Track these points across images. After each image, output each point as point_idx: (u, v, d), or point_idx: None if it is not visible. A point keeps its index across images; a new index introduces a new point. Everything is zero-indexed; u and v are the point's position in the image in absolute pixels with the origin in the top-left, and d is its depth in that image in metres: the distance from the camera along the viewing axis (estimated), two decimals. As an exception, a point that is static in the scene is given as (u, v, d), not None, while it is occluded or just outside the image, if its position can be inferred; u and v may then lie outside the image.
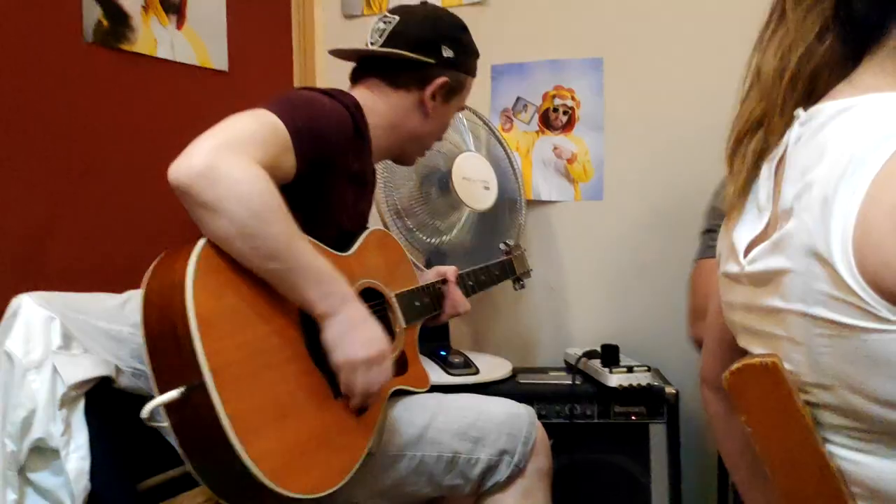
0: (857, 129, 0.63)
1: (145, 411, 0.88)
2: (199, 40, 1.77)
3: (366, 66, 1.33)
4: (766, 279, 0.69)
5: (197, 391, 0.87)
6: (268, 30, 2.05)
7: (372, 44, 1.31)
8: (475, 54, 1.39)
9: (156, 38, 1.65)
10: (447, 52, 1.30)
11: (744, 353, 0.78)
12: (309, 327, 1.06)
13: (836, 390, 0.64)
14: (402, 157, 1.40)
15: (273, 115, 1.04)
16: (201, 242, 0.95)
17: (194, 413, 0.88)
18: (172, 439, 0.91)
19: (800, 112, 0.70)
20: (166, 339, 0.90)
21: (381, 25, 1.31)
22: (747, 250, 0.73)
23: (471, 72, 1.38)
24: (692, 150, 1.92)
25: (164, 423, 0.91)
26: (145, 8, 1.62)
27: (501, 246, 1.78)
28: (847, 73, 0.70)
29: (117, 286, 1.23)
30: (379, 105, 1.29)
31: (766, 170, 0.73)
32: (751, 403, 0.72)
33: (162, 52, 1.67)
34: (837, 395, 0.64)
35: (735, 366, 0.72)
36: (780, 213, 0.68)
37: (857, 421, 0.64)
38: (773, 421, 0.70)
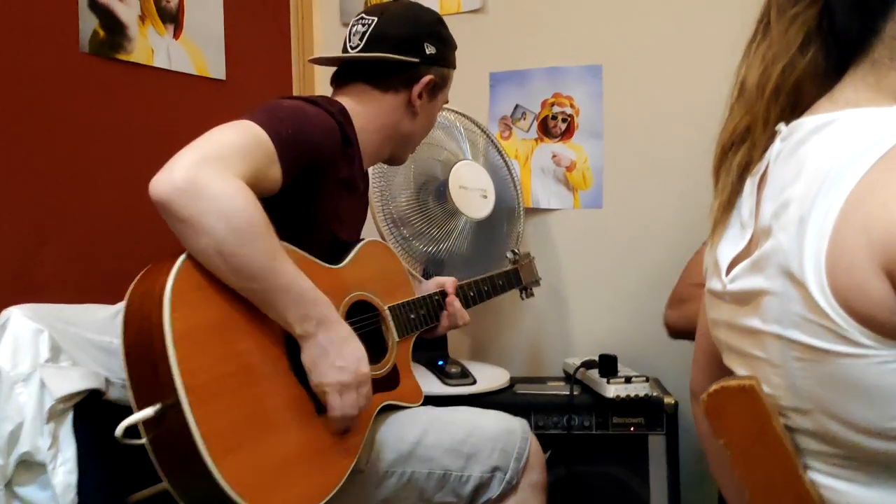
0: (834, 147, 0.61)
1: (119, 430, 0.87)
2: (196, 49, 1.77)
3: (348, 70, 1.32)
4: (746, 299, 0.67)
5: (172, 410, 0.86)
6: (266, 38, 2.04)
7: (353, 47, 1.29)
8: (454, 46, 1.38)
9: (152, 47, 1.65)
10: (430, 49, 1.29)
11: (731, 371, 0.77)
12: (293, 343, 1.05)
13: (813, 415, 0.62)
14: (394, 158, 1.39)
15: (257, 125, 1.03)
16: (182, 257, 0.94)
17: (169, 432, 0.87)
18: (151, 456, 0.91)
19: (781, 126, 0.69)
20: (143, 356, 0.89)
21: (360, 28, 1.29)
22: (730, 267, 0.71)
23: (452, 65, 1.38)
24: (692, 157, 1.88)
25: (142, 441, 0.90)
26: (142, 17, 1.62)
27: (508, 255, 1.76)
28: (831, 86, 0.69)
29: (111, 297, 1.23)
30: (367, 110, 1.27)
31: (750, 185, 0.72)
32: (729, 426, 0.71)
33: (159, 62, 1.67)
34: (815, 419, 0.63)
35: (713, 387, 0.70)
36: (760, 231, 0.67)
37: (835, 447, 0.63)
38: (751, 445, 0.68)
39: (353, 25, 1.31)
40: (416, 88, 1.29)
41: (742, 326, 0.69)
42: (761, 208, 0.68)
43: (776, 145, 0.69)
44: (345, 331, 1.06)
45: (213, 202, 0.91)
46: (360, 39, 1.28)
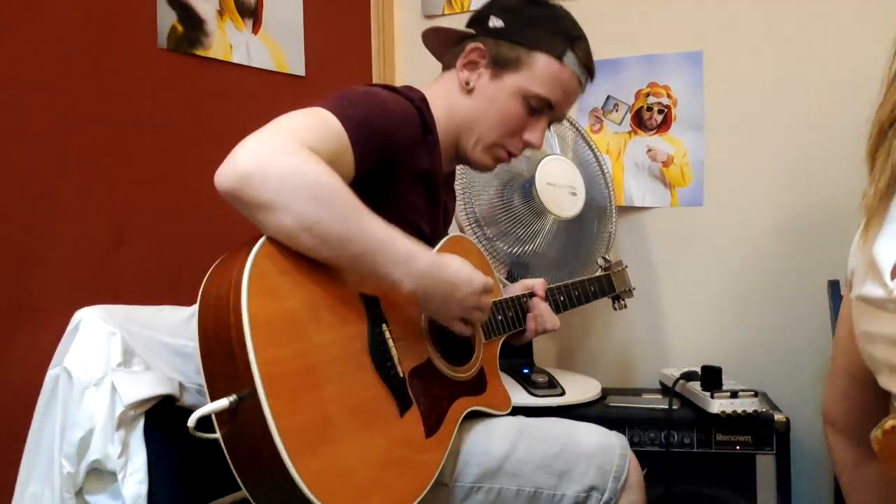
0: None
1: (191, 420, 0.81)
2: (275, 45, 1.73)
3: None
4: None
5: (248, 401, 0.80)
6: (346, 32, 2.00)
7: None
8: (544, 27, 1.18)
9: (231, 43, 1.61)
10: (494, 22, 1.17)
11: (884, 394, 0.64)
12: (375, 336, 0.98)
13: None
14: (464, 153, 1.23)
15: (326, 111, 0.96)
16: (261, 241, 0.89)
17: (245, 425, 0.81)
18: (224, 453, 0.85)
19: None
20: (219, 344, 0.83)
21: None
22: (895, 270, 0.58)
23: (535, 44, 1.16)
24: (802, 150, 1.77)
25: (215, 435, 0.84)
26: (220, 13, 1.59)
27: (599, 261, 1.66)
28: None
29: (189, 299, 1.19)
30: (435, 94, 1.19)
31: None
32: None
33: (237, 58, 1.63)
34: None
35: (890, 422, 0.57)
36: None
37: None
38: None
39: None
40: (461, 60, 1.18)
41: None
42: None
43: None
44: (451, 269, 1.02)
45: (283, 178, 0.85)
46: None
